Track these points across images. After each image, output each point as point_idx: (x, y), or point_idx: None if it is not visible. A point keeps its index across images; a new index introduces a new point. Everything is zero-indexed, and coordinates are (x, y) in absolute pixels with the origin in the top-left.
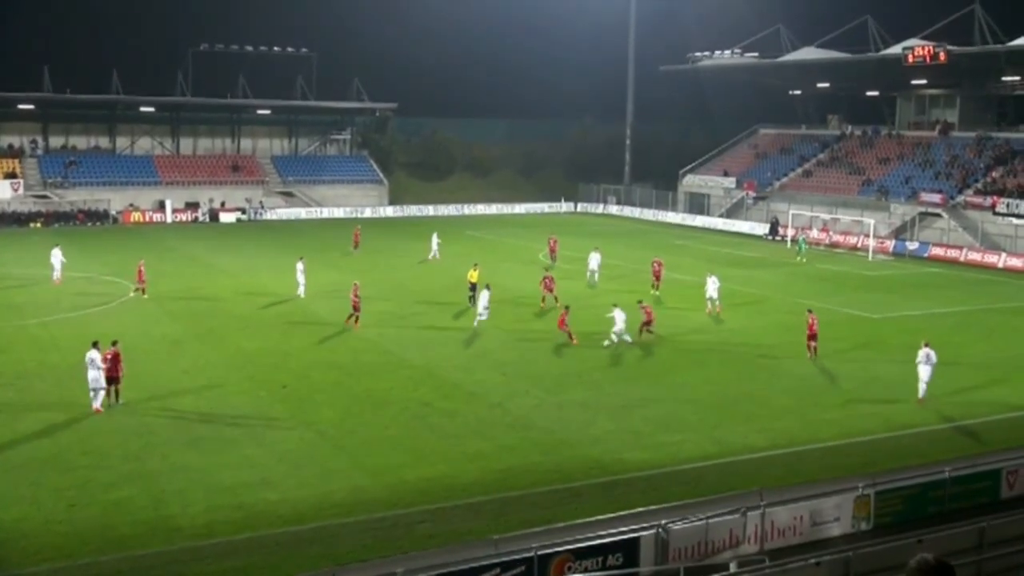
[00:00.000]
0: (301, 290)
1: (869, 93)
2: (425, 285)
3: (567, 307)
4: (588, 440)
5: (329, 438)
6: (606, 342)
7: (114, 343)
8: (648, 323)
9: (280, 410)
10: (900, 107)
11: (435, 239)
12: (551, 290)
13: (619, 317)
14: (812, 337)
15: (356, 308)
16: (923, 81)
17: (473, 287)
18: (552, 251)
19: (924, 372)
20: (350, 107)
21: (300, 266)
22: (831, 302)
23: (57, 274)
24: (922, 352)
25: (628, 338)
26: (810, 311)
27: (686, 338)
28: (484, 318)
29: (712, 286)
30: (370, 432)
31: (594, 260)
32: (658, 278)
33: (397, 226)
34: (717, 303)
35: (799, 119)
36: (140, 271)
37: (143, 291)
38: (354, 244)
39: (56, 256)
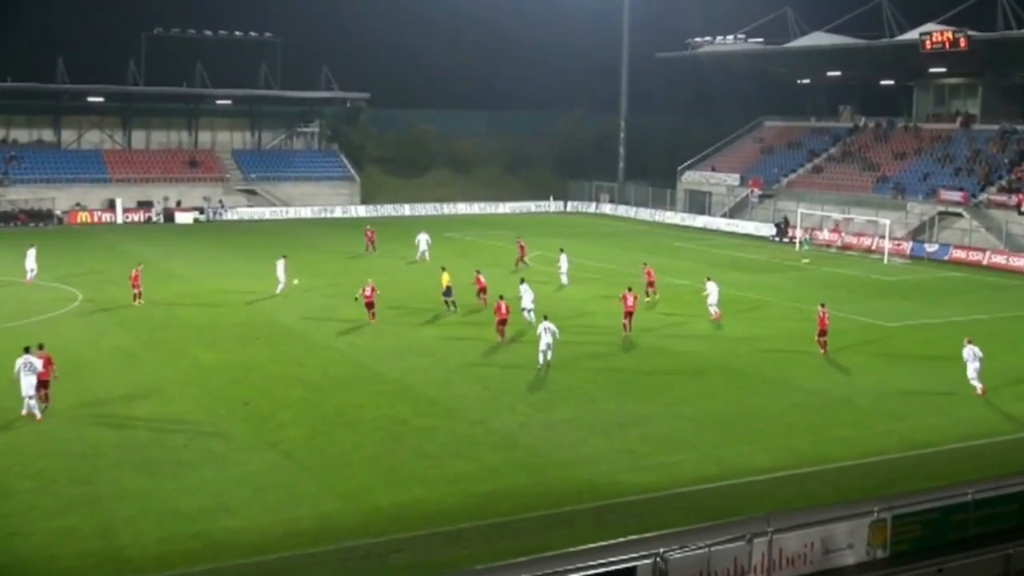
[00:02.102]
0: (280, 288)
1: (884, 82)
2: (402, 291)
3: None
4: (579, 461)
5: (295, 459)
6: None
7: (40, 346)
8: (631, 314)
9: (241, 429)
10: (917, 98)
11: (424, 239)
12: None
13: (527, 295)
14: (823, 333)
15: (370, 305)
16: (942, 69)
17: (448, 291)
18: (521, 254)
19: (972, 369)
20: (318, 97)
21: (281, 264)
22: (843, 309)
23: (31, 276)
24: (967, 350)
25: (531, 317)
26: (823, 305)
27: (685, 348)
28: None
29: (714, 293)
30: (340, 453)
31: (563, 262)
32: (652, 284)
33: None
34: (717, 309)
35: (808, 111)
36: (136, 277)
37: (137, 297)
38: (370, 245)
39: (31, 258)
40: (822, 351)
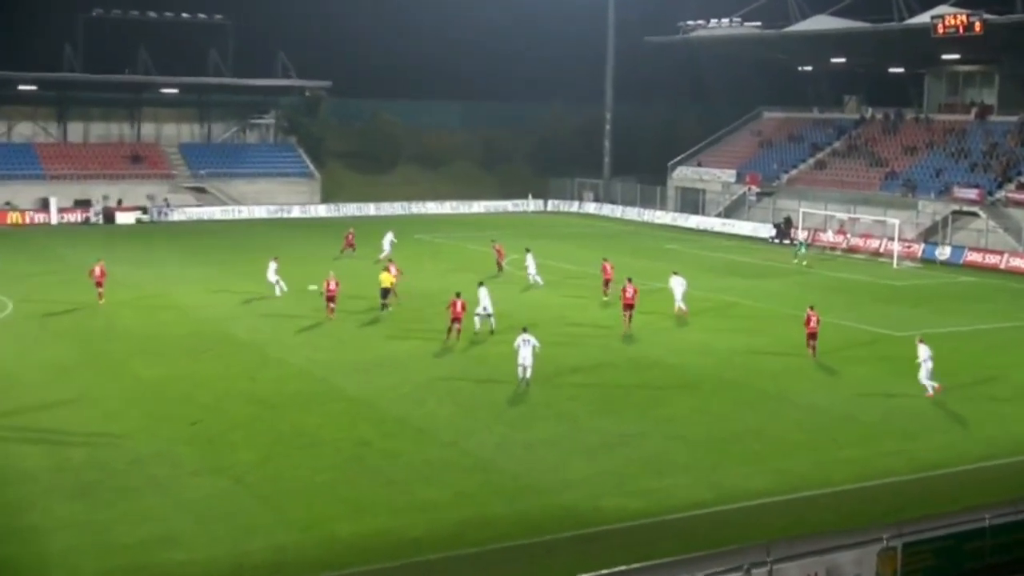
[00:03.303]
0: (278, 291)
1: (892, 70)
2: (372, 299)
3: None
4: (561, 485)
5: (247, 485)
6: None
7: None
8: (630, 306)
9: (188, 452)
10: (929, 86)
11: (389, 237)
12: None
13: (484, 299)
14: (812, 336)
15: (331, 299)
16: (956, 56)
17: (386, 292)
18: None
19: (925, 370)
20: (274, 86)
21: (273, 265)
22: (848, 317)
23: None
24: (922, 349)
25: (484, 314)
26: (811, 307)
27: (676, 360)
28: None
29: (679, 288)
30: (297, 478)
31: (530, 262)
32: (608, 283)
33: (331, 228)
34: (683, 305)
35: (810, 101)
36: (100, 273)
37: (100, 296)
38: (348, 246)
39: None
40: (811, 354)
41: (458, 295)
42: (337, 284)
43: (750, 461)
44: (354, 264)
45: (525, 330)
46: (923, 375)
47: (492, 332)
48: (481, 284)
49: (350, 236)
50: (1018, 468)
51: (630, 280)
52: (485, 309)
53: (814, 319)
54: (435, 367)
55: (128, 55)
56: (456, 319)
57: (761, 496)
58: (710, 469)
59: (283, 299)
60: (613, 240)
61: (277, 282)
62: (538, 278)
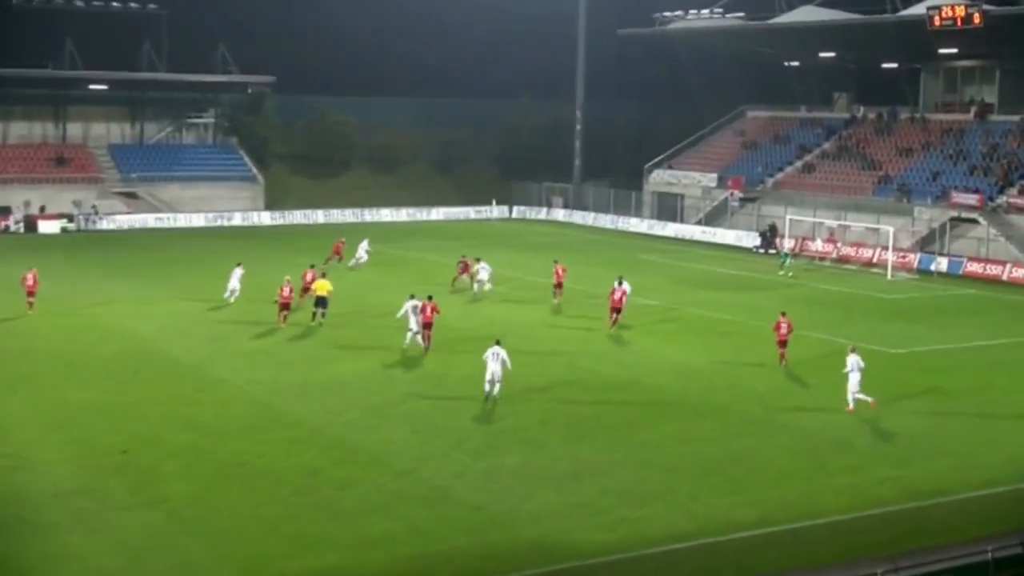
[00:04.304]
0: (232, 296)
1: (886, 65)
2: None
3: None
4: (527, 518)
5: (182, 520)
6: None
7: None
8: (618, 309)
9: (116, 483)
10: (925, 83)
11: (364, 245)
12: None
13: (412, 317)
14: (782, 343)
15: (285, 307)
16: (954, 50)
17: (322, 301)
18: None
19: (854, 381)
20: (213, 81)
21: (239, 272)
22: (839, 333)
23: None
24: (851, 359)
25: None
26: (783, 314)
27: (653, 381)
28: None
29: (620, 292)
30: (238, 512)
31: (483, 271)
32: (559, 286)
33: (276, 237)
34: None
35: (797, 99)
36: (32, 282)
37: (31, 305)
38: (335, 255)
39: None
40: (780, 363)
41: (430, 298)
42: (292, 291)
43: (734, 490)
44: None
45: (497, 343)
46: (851, 386)
47: (426, 351)
48: (411, 297)
49: (339, 245)
50: (1023, 496)
51: (620, 282)
52: (414, 325)
53: (785, 326)
54: (389, 388)
55: (52, 48)
56: (427, 324)
57: (746, 528)
58: (690, 499)
59: (225, 315)
60: (584, 250)
61: (233, 291)
62: (488, 284)
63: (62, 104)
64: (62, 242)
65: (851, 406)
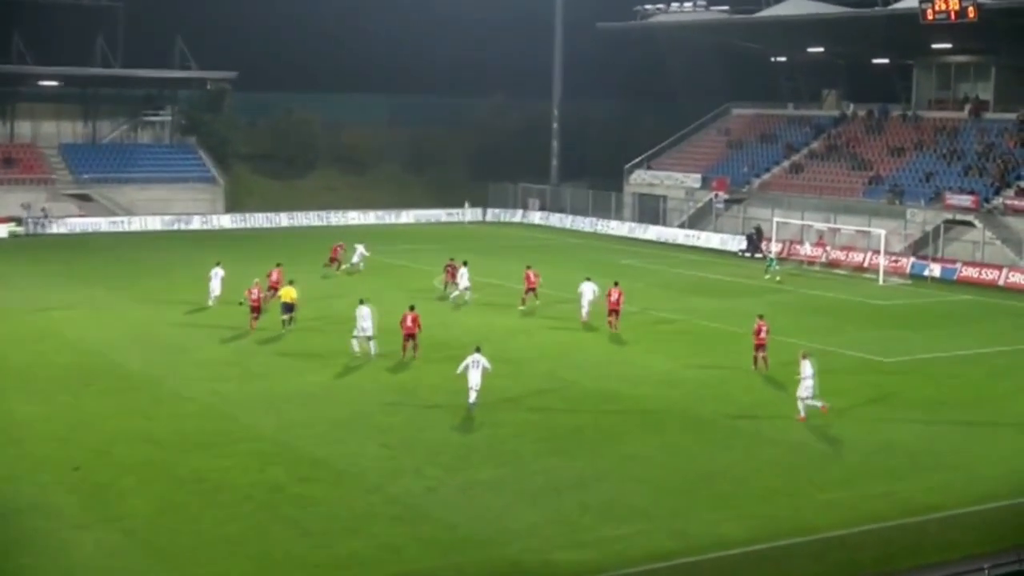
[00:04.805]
0: (210, 299)
1: (876, 61)
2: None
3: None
4: (504, 536)
5: (140, 540)
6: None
7: None
8: (615, 311)
9: (70, 502)
10: (918, 80)
11: (360, 250)
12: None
13: (365, 319)
14: (759, 347)
15: (255, 309)
16: (947, 45)
17: (288, 307)
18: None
19: (805, 387)
20: (171, 77)
21: (220, 272)
22: (829, 341)
23: None
24: (806, 365)
25: (363, 336)
26: (761, 316)
27: (636, 391)
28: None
29: (588, 293)
30: (198, 531)
31: (463, 277)
32: (532, 290)
33: (238, 241)
34: (587, 309)
35: (784, 96)
36: None
37: None
38: (333, 260)
39: None
40: (754, 366)
41: (411, 308)
42: (260, 292)
43: (720, 506)
44: (325, 282)
45: (478, 349)
46: (801, 392)
47: (372, 357)
48: (362, 302)
49: (337, 249)
50: (1022, 511)
51: (616, 284)
52: (364, 331)
53: (764, 329)
54: (357, 400)
55: (0, 42)
56: (409, 335)
57: (733, 545)
58: (675, 515)
59: (184, 322)
60: (561, 254)
61: (214, 293)
62: (468, 293)
63: (10, 101)
64: (10, 247)
65: (802, 414)
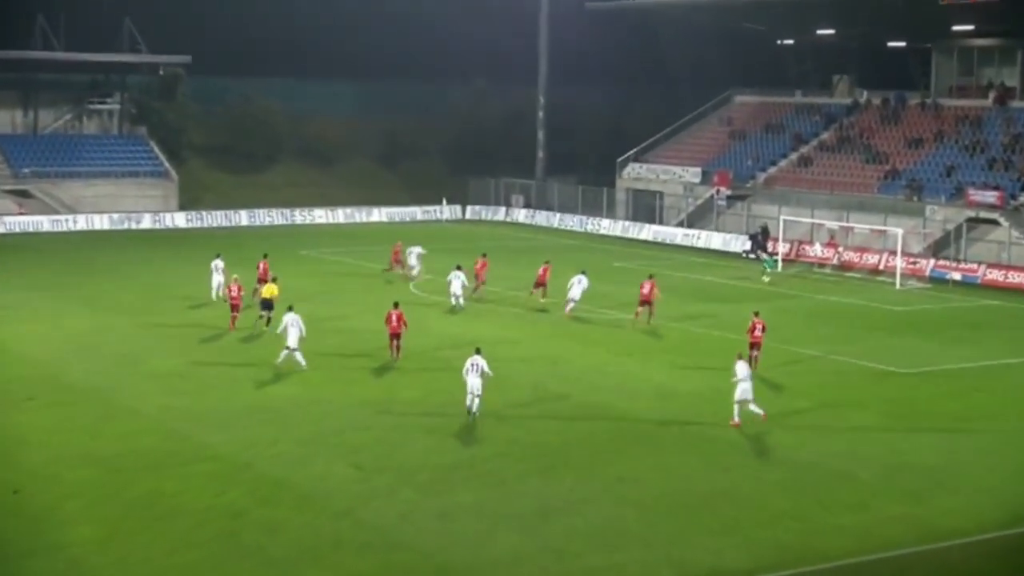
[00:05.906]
0: (213, 294)
1: (892, 44)
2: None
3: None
4: (485, 564)
5: (86, 569)
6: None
7: None
8: (647, 303)
9: (10, 528)
10: (937, 65)
11: (417, 251)
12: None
13: (292, 329)
14: (754, 346)
15: (234, 308)
16: (969, 27)
17: (267, 305)
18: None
19: (741, 391)
20: (119, 61)
21: (221, 264)
22: (842, 350)
23: None
24: (740, 367)
25: (293, 357)
26: (756, 313)
27: (631, 406)
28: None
29: (578, 287)
30: (150, 559)
31: (456, 281)
32: (542, 284)
33: (193, 241)
34: (572, 304)
35: (792, 82)
36: None
37: None
38: (395, 262)
39: None
40: (753, 366)
41: (396, 305)
42: (240, 290)
43: (721, 531)
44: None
45: (478, 351)
46: (737, 395)
47: (301, 368)
48: (290, 309)
49: (397, 250)
50: None
51: (651, 276)
52: (289, 343)
53: (759, 327)
54: (324, 416)
55: None
56: (395, 334)
57: (736, 574)
58: (671, 541)
59: (135, 331)
60: (548, 256)
61: (219, 285)
62: (461, 301)
63: None
64: None
65: (736, 419)
